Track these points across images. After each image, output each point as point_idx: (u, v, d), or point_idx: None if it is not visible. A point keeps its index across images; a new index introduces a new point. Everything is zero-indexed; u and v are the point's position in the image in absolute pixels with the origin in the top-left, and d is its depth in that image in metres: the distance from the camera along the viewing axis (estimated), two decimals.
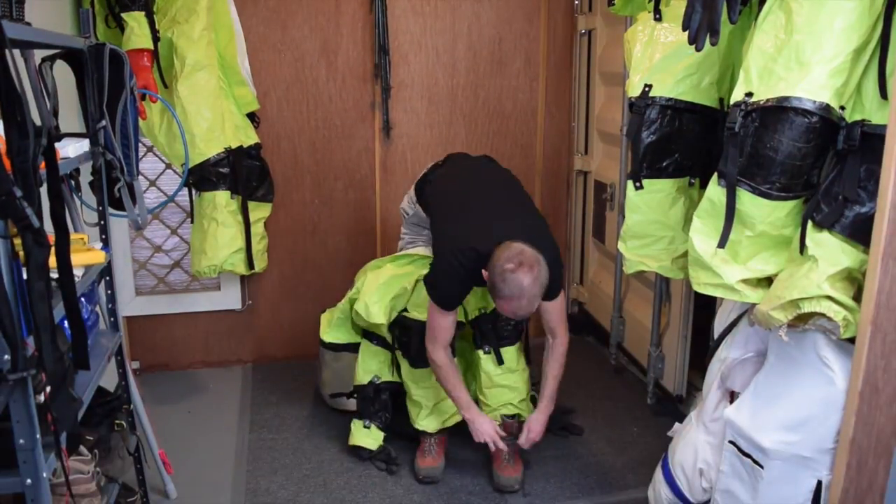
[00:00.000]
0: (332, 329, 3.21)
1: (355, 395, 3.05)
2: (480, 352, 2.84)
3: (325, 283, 3.84)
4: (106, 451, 2.20)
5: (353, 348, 3.13)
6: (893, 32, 1.54)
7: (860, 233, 1.60)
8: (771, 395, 1.84)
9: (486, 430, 2.67)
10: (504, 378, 2.84)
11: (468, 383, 2.91)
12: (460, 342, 2.97)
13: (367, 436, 2.93)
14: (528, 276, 2.27)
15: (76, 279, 1.74)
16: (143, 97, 2.88)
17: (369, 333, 2.99)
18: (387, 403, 2.96)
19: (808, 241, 1.66)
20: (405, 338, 2.83)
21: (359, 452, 2.95)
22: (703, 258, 1.80)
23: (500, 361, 2.82)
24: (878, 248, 1.53)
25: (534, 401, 2.92)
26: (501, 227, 2.44)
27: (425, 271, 2.66)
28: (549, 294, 2.50)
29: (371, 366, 2.98)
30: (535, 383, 2.96)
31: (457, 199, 2.69)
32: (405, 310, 2.84)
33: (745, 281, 1.78)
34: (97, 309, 2.32)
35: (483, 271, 2.39)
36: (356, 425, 2.96)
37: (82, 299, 1.94)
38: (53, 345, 1.46)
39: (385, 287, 2.87)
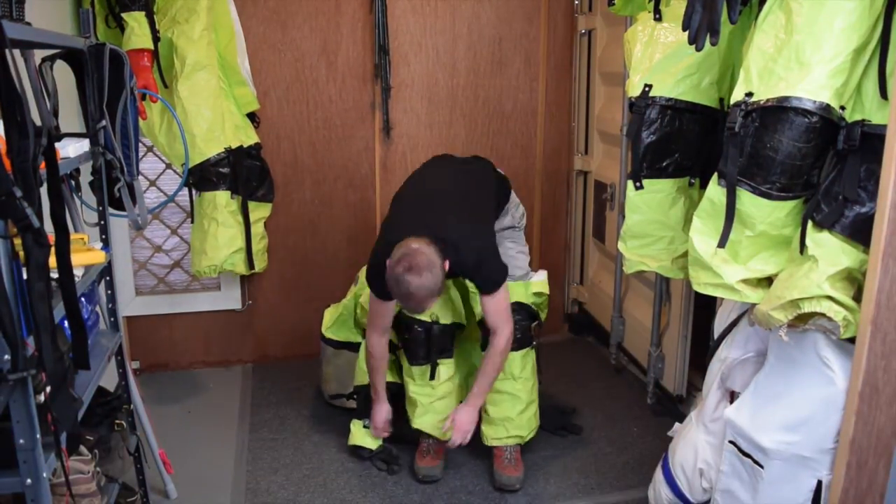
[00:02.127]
0: (334, 325, 3.21)
1: (355, 396, 3.05)
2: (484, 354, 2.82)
3: (325, 282, 3.84)
4: (106, 450, 2.20)
5: (354, 347, 3.13)
6: (893, 32, 1.54)
7: (860, 233, 1.60)
8: (771, 395, 1.84)
9: (377, 417, 2.83)
10: (506, 384, 2.78)
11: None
12: (462, 344, 2.96)
13: (367, 435, 2.93)
14: (415, 279, 2.28)
15: (76, 279, 1.74)
16: (143, 97, 2.88)
17: None
18: None
19: (808, 241, 1.66)
20: (406, 334, 2.83)
21: (359, 452, 2.95)
22: (704, 258, 1.80)
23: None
24: (878, 248, 1.53)
25: (543, 411, 2.94)
26: (415, 224, 2.46)
27: None
28: (485, 289, 2.54)
29: None
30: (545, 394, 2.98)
31: (404, 198, 2.71)
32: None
33: (745, 281, 1.78)
34: (97, 309, 2.33)
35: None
36: (356, 425, 2.96)
37: (82, 299, 1.94)
38: (54, 345, 1.46)
39: None
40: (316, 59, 3.65)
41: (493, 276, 2.55)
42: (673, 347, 3.15)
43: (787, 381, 1.80)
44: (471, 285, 2.77)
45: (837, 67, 1.58)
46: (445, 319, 2.81)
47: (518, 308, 2.76)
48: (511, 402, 2.80)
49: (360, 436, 2.94)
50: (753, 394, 1.89)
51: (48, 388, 1.50)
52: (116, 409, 2.32)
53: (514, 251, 2.86)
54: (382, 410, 2.84)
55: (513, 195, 2.93)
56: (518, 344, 2.75)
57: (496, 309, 2.58)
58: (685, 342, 3.09)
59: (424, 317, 2.74)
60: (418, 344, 2.79)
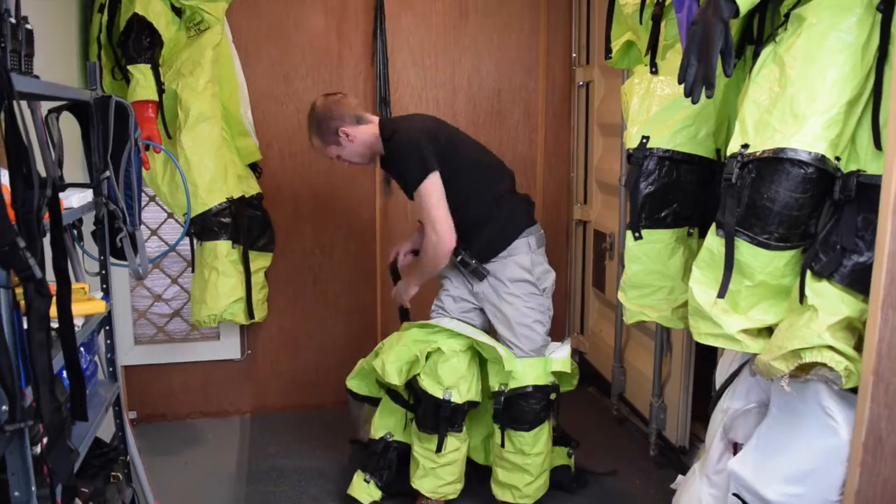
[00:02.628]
0: (356, 378, 3.10)
1: (367, 448, 2.99)
2: (496, 424, 2.77)
3: (325, 333, 3.83)
4: (102, 503, 2.17)
5: (374, 402, 3.04)
6: (885, 84, 1.57)
7: (859, 282, 1.60)
8: (774, 446, 1.82)
9: (405, 288, 2.87)
10: (516, 458, 2.73)
11: (487, 450, 2.94)
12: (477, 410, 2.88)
13: (365, 490, 2.87)
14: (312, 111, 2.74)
15: (76, 329, 1.74)
16: (146, 147, 2.91)
17: (392, 391, 2.90)
18: (392, 463, 2.89)
19: (807, 291, 1.66)
20: (415, 401, 2.79)
21: None
22: (703, 308, 1.80)
23: (501, 444, 2.75)
24: (877, 298, 1.53)
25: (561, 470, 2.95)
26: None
27: (448, 343, 2.68)
28: (405, 188, 2.66)
29: (387, 422, 2.91)
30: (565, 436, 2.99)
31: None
32: (419, 374, 2.74)
33: (745, 331, 1.78)
34: (96, 359, 2.32)
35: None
36: (358, 476, 2.91)
37: (81, 349, 1.94)
38: (52, 396, 1.46)
39: (403, 349, 2.78)
40: None
41: (408, 174, 2.60)
42: (675, 398, 3.12)
43: (790, 432, 1.78)
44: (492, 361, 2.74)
45: (832, 119, 1.60)
46: (458, 398, 2.67)
47: (533, 391, 2.68)
48: (520, 475, 2.75)
49: (359, 489, 2.88)
50: (756, 445, 1.87)
51: (45, 440, 1.48)
52: (113, 460, 2.29)
53: (531, 319, 2.72)
54: (409, 286, 2.87)
55: (540, 251, 2.81)
56: (529, 424, 2.69)
57: (419, 207, 2.63)
58: (687, 392, 3.06)
59: (437, 392, 2.67)
60: (428, 415, 2.71)
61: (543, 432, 2.75)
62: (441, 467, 2.77)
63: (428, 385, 2.68)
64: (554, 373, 2.76)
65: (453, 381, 2.66)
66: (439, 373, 2.65)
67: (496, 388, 2.73)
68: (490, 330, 2.82)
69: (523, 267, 2.72)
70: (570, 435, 3.09)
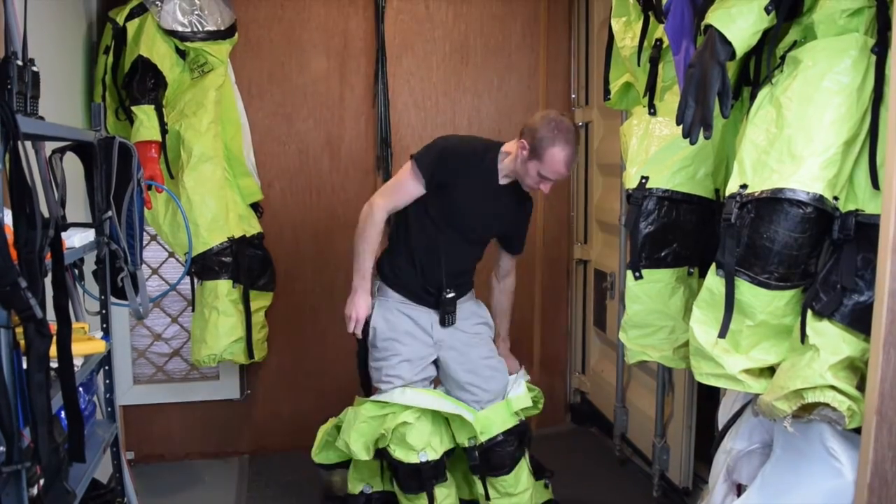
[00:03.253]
0: (322, 450, 2.96)
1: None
2: (474, 477, 2.75)
3: (324, 373, 3.80)
4: None
5: (346, 465, 2.95)
6: (881, 125, 1.59)
7: (860, 321, 1.60)
8: (778, 488, 1.80)
9: (358, 305, 2.70)
10: (502, 501, 2.72)
11: (470, 483, 2.84)
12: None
13: None
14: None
15: (75, 369, 1.73)
16: (148, 187, 2.93)
17: None
18: None
19: (808, 331, 1.66)
20: (392, 471, 2.72)
21: None
22: (705, 348, 1.79)
23: (486, 496, 2.72)
24: (878, 337, 1.53)
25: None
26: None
27: (406, 414, 2.61)
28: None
29: (363, 474, 2.86)
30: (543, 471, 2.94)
31: None
32: (388, 446, 2.66)
33: (747, 371, 1.77)
34: (94, 399, 2.30)
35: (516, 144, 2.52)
36: None
37: (80, 389, 1.93)
38: (50, 436, 1.45)
39: (364, 426, 2.68)
40: (320, 151, 3.73)
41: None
42: (678, 438, 3.09)
43: (794, 473, 1.76)
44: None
45: (829, 159, 1.61)
46: (434, 454, 2.64)
47: (504, 437, 2.67)
48: None
49: None
50: (761, 487, 1.85)
51: (42, 481, 1.47)
52: (109, 502, 2.27)
53: (495, 360, 2.77)
54: (362, 302, 2.71)
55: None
56: (508, 468, 2.69)
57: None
58: (690, 433, 3.04)
59: (412, 458, 2.60)
60: (410, 479, 2.65)
61: (523, 469, 2.74)
62: None
63: (402, 455, 2.62)
64: (520, 418, 2.76)
65: (424, 443, 2.62)
66: (408, 441, 2.60)
67: (466, 445, 2.70)
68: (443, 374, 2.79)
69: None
70: (543, 465, 3.03)
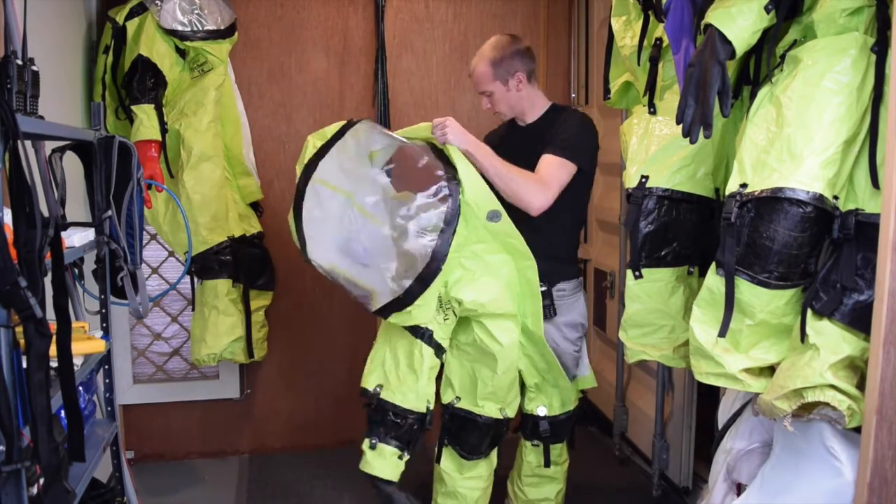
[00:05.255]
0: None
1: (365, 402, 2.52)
2: (528, 442, 2.76)
3: (324, 372, 3.80)
4: None
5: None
6: (881, 124, 1.58)
7: (860, 321, 1.60)
8: (778, 487, 1.80)
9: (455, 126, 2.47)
10: (547, 471, 2.78)
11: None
12: None
13: (385, 459, 2.44)
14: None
15: (75, 368, 1.73)
16: (148, 187, 2.93)
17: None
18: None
19: (808, 330, 1.66)
20: (460, 430, 2.58)
21: (377, 484, 2.47)
22: (705, 347, 1.79)
23: (546, 464, 2.74)
24: (878, 336, 1.53)
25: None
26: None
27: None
28: (550, 148, 2.53)
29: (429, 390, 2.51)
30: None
31: None
32: (458, 398, 2.55)
33: (747, 370, 1.77)
34: (94, 398, 2.30)
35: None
36: (365, 443, 2.47)
37: (80, 388, 1.93)
38: (49, 436, 1.45)
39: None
40: None
41: (570, 140, 2.55)
42: (678, 437, 3.10)
43: (794, 472, 1.76)
44: None
45: (829, 159, 1.61)
46: (511, 412, 2.62)
47: (573, 412, 2.77)
48: (551, 486, 2.81)
49: (376, 464, 2.45)
50: (761, 486, 1.85)
51: (41, 481, 1.47)
52: (109, 501, 2.27)
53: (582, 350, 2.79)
54: (459, 130, 2.50)
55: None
56: (563, 434, 2.78)
57: (544, 166, 2.49)
58: (690, 432, 3.04)
59: (494, 412, 2.55)
60: (483, 437, 2.57)
61: (565, 444, 2.84)
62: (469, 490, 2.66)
63: (469, 405, 2.55)
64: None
65: (510, 397, 2.60)
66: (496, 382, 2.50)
67: (534, 413, 2.70)
68: None
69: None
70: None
